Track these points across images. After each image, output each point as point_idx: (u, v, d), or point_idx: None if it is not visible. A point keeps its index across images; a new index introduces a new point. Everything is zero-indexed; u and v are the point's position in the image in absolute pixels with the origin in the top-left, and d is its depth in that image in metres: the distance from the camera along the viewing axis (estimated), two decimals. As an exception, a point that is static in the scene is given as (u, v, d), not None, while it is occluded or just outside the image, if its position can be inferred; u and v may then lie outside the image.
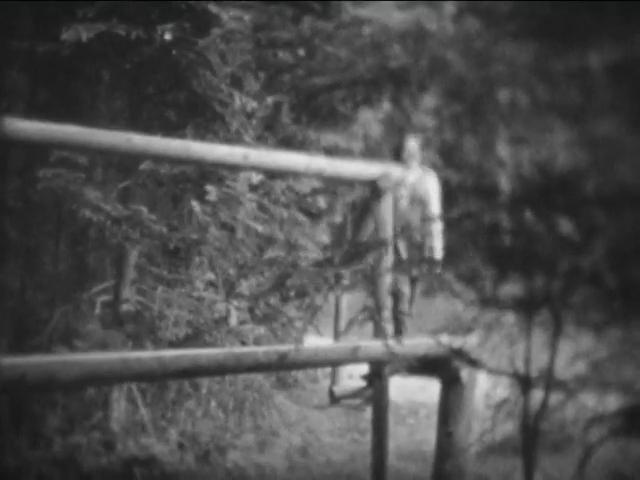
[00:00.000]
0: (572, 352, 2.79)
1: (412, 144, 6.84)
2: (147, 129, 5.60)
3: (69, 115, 6.39)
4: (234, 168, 5.60)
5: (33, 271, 6.28)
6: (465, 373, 4.96)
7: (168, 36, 5.82)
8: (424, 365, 4.74)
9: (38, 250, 6.35)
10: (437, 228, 6.83)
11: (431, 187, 6.95)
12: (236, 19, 6.05)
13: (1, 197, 6.12)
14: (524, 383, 2.72)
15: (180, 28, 5.79)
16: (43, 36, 5.94)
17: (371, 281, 4.39)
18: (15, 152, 6.24)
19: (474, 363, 3.23)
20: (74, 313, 5.89)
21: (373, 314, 4.36)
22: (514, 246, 2.97)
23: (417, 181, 6.86)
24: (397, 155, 6.79)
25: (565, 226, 2.84)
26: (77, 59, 6.02)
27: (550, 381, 2.64)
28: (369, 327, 4.64)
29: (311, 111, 6.10)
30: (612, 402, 2.76)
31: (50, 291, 6.21)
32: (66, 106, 6.60)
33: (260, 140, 6.71)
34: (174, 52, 5.90)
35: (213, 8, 5.90)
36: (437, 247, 6.84)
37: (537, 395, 2.72)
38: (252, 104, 6.23)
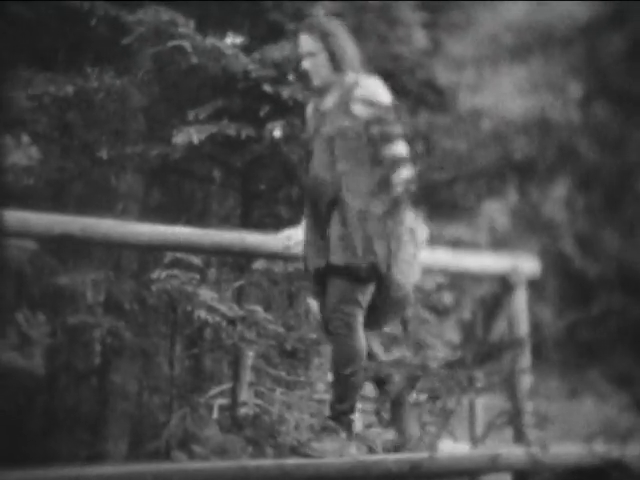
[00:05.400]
0: None
1: None
2: (259, 226, 5.58)
3: (182, 215, 6.46)
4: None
5: (149, 373, 6.25)
6: (624, 487, 4.59)
7: (277, 133, 5.82)
8: (575, 477, 4.41)
9: (154, 352, 6.33)
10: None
11: None
12: (346, 113, 6.02)
13: (116, 300, 6.15)
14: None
15: (289, 125, 5.78)
16: (155, 140, 6.04)
17: (508, 383, 4.14)
18: (129, 254, 6.30)
19: (637, 478, 2.95)
20: (192, 417, 5.80)
21: (512, 418, 4.09)
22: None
23: None
24: None
25: None
26: (188, 160, 6.10)
27: None
28: (509, 433, 4.36)
29: (431, 205, 5.94)
30: None
31: (167, 394, 6.15)
32: (179, 206, 6.68)
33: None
34: (284, 149, 5.89)
35: (322, 103, 5.89)
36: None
37: None
38: (367, 199, 6.13)
